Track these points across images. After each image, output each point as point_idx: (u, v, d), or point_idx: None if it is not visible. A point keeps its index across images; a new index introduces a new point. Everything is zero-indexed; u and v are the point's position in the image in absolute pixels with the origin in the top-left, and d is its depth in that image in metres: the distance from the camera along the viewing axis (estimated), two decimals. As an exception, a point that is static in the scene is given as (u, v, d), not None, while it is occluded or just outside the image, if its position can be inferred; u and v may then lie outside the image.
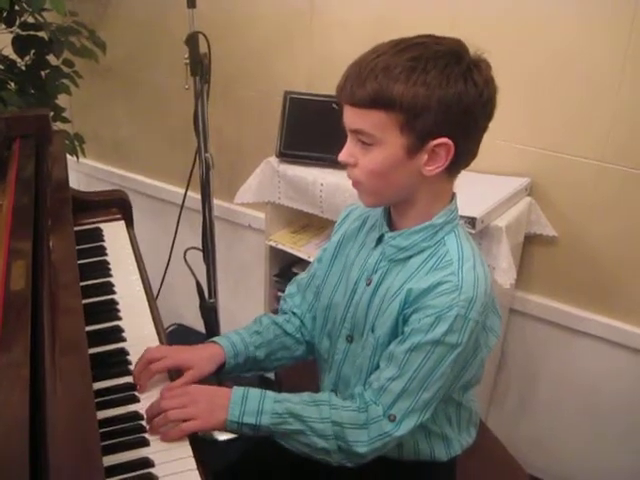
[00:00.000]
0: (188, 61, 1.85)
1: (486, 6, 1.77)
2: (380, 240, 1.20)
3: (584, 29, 1.66)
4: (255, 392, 1.12)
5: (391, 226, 1.19)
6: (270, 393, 1.13)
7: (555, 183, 1.83)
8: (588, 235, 1.83)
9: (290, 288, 1.42)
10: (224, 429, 1.11)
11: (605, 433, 1.99)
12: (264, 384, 1.19)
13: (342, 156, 1.11)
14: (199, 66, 1.85)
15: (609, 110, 1.69)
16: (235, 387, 1.12)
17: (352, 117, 1.07)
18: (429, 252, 1.13)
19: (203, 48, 1.86)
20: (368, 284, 1.19)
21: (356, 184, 1.13)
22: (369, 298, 1.18)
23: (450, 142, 1.05)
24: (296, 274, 2.06)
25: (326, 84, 1.98)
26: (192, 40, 1.83)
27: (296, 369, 1.42)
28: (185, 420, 1.07)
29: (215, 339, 1.28)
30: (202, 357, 1.22)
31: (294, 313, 1.37)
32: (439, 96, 1.01)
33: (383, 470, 1.24)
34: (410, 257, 1.15)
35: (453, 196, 1.17)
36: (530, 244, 1.92)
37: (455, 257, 1.11)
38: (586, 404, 2.00)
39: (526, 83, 1.78)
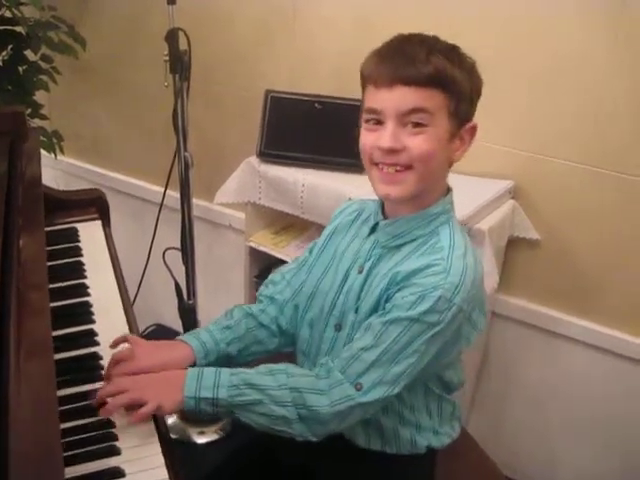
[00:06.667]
0: (167, 58, 1.82)
1: (471, 7, 1.76)
2: (374, 229, 1.20)
3: (576, 33, 1.65)
4: (210, 369, 1.11)
5: (385, 216, 1.20)
6: (225, 369, 1.12)
7: (539, 186, 1.82)
8: (571, 239, 1.82)
9: (273, 276, 1.40)
10: (182, 408, 1.08)
11: (585, 435, 1.99)
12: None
13: (388, 142, 1.07)
14: (179, 63, 1.82)
15: (595, 115, 1.68)
16: (189, 368, 1.12)
17: (409, 96, 1.06)
18: (421, 240, 1.14)
19: (183, 45, 1.83)
20: (360, 272, 1.19)
21: (402, 172, 1.09)
22: (361, 285, 1.18)
23: (476, 126, 1.13)
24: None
25: (308, 83, 1.99)
26: (172, 36, 1.80)
27: (272, 361, 1.38)
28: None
29: (184, 338, 1.25)
30: (173, 361, 1.19)
31: (273, 299, 1.34)
32: (473, 83, 1.10)
33: (371, 463, 1.25)
34: (402, 245, 1.15)
35: (449, 190, 1.19)
36: (513, 247, 1.91)
37: (446, 244, 1.12)
38: (566, 407, 2.00)
39: (512, 85, 1.76)
